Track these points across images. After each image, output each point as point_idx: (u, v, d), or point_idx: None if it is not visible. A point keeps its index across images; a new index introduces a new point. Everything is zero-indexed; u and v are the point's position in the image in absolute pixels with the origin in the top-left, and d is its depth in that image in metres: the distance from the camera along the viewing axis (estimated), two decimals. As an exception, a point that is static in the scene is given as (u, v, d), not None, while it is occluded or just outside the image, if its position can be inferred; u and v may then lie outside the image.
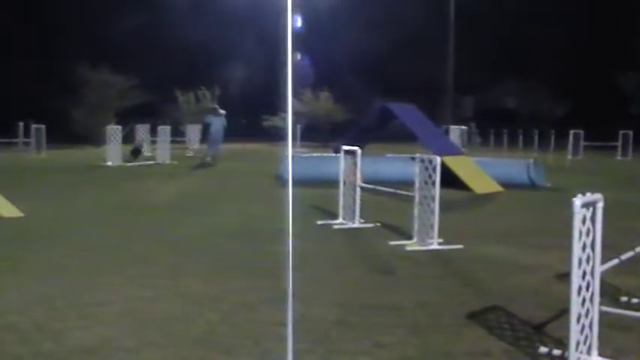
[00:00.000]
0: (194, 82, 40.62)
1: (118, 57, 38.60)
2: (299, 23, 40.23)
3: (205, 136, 26.57)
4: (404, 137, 23.30)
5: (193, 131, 31.83)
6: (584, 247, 4.27)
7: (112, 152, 23.35)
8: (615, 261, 5.03)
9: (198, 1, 42.50)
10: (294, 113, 36.91)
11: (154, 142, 27.89)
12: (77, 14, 43.28)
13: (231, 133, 27.86)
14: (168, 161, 25.05)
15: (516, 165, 17.44)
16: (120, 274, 7.01)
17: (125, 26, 42.95)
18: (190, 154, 28.88)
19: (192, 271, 7.22)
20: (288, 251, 4.16)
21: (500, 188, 15.39)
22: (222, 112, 25.19)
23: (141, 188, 16.05)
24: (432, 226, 8.56)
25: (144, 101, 39.03)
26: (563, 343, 4.61)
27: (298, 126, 37.46)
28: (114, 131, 23.85)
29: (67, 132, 35.48)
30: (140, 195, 14.66)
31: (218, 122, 24.80)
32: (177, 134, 31.76)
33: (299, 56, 48.52)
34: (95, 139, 32.50)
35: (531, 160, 17.35)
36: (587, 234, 4.30)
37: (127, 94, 39.11)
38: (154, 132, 27.96)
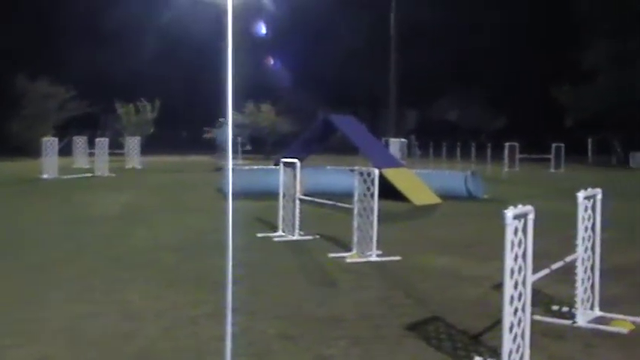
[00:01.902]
0: (134, 93, 40.15)
1: (57, 68, 37.91)
2: (263, 30, 40.32)
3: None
4: (346, 149, 23.53)
5: (133, 143, 31.37)
6: (515, 258, 4.41)
7: (48, 165, 22.88)
8: (546, 271, 5.20)
9: (139, 12, 42.00)
10: (236, 125, 36.84)
11: (91, 155, 27.41)
12: (15, 25, 42.34)
13: (172, 145, 27.92)
14: (106, 174, 24.65)
15: (454, 177, 17.78)
16: (60, 290, 6.89)
17: (65, 37, 42.22)
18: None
19: (133, 285, 7.14)
20: (228, 265, 4.18)
21: (438, 200, 15.65)
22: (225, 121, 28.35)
23: (80, 202, 15.76)
24: (371, 238, 8.67)
25: (83, 113, 38.45)
26: (497, 352, 4.74)
27: (239, 138, 37.30)
28: (50, 143, 23.38)
29: (3, 144, 34.61)
30: (80, 208, 14.40)
31: (222, 133, 28.03)
32: (117, 146, 31.26)
33: (271, 60, 48.76)
34: (32, 151, 31.82)
35: (469, 172, 17.72)
36: (519, 245, 4.45)
37: (66, 106, 38.44)
38: (92, 144, 27.52)
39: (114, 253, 9.08)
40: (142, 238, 10.45)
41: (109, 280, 7.36)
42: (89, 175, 24.22)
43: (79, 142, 30.21)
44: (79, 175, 23.68)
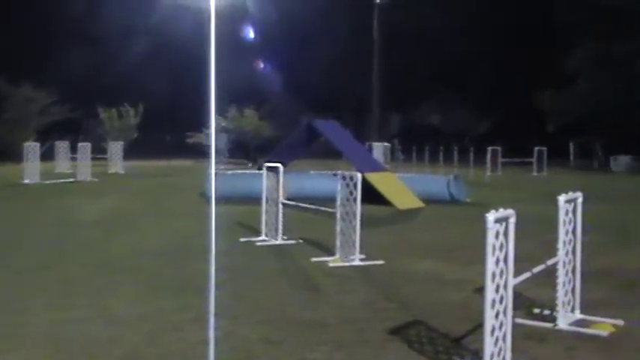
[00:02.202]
0: (117, 97, 40.00)
1: (39, 72, 37.70)
2: (251, 34, 40.48)
3: None
4: (330, 154, 23.58)
5: (116, 148, 31.24)
6: (497, 261, 4.45)
7: (30, 169, 22.74)
8: (527, 274, 5.24)
9: (123, 17, 41.87)
10: (220, 130, 36.81)
11: (74, 160, 27.28)
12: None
13: (156, 149, 27.80)
14: (89, 178, 24.52)
15: (437, 181, 17.86)
16: (44, 296, 6.85)
17: (48, 41, 41.96)
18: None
19: (117, 291, 7.12)
20: (210, 270, 4.18)
21: (421, 204, 15.71)
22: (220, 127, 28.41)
23: (63, 206, 15.67)
24: (353, 242, 8.69)
25: (65, 117, 38.25)
26: (479, 355, 4.77)
27: (225, 142, 37.30)
28: (32, 148, 23.25)
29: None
30: (63, 213, 14.32)
31: (217, 139, 28.41)
32: (99, 151, 31.12)
33: (261, 64, 48.93)
34: (14, 155, 31.62)
35: (452, 176, 17.81)
36: (501, 248, 4.48)
37: (48, 110, 38.22)
38: (74, 149, 27.40)
39: (97, 258, 9.04)
40: (125, 243, 10.41)
41: (93, 285, 7.34)
42: (71, 180, 24.08)
43: (62, 146, 30.04)
44: (62, 180, 23.54)
